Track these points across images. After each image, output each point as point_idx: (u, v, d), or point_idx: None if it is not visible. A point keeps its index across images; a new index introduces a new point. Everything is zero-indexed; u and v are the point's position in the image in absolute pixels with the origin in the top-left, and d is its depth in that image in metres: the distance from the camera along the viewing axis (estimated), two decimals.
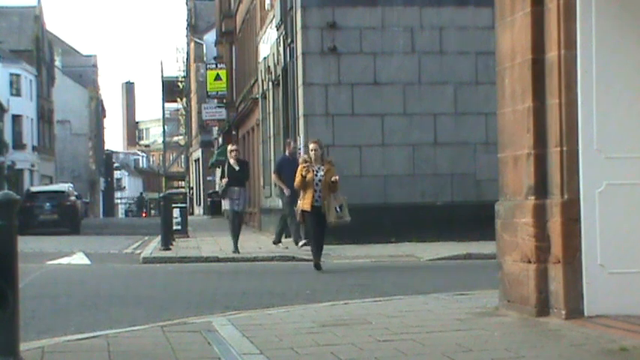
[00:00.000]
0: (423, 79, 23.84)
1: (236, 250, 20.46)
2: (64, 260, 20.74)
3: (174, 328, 8.62)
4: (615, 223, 8.20)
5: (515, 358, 6.86)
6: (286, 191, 20.92)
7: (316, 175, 15.57)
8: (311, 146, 15.93)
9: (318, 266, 15.79)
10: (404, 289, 12.18)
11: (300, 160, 15.95)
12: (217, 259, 19.75)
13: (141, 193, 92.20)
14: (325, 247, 21.91)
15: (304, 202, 15.62)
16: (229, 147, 21.34)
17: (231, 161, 20.48)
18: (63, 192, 38.32)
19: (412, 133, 23.70)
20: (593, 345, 7.18)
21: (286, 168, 20.86)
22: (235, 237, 20.63)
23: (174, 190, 51.93)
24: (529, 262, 8.57)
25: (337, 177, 15.59)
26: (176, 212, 27.59)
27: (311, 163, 15.65)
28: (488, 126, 22.15)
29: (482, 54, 22.92)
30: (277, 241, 22.39)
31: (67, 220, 36.21)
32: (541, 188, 8.52)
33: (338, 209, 15.43)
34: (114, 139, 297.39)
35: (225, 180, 20.25)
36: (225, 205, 20.92)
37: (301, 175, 15.58)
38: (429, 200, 23.48)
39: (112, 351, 7.48)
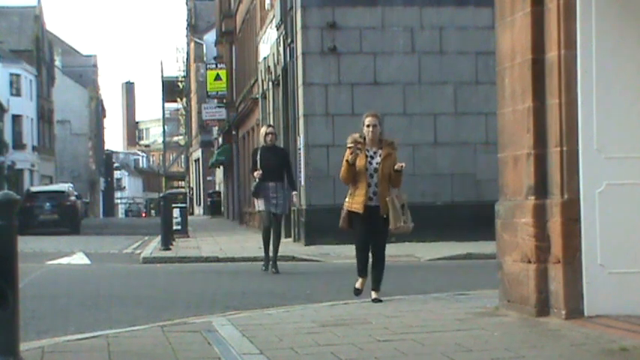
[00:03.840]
0: (423, 79, 23.84)
1: (265, 265, 15.74)
2: (64, 260, 20.74)
3: (174, 328, 8.63)
4: (615, 223, 8.20)
5: (515, 358, 6.86)
6: None
7: (371, 163, 10.60)
8: (367, 120, 10.73)
9: (377, 299, 10.57)
10: (404, 289, 12.18)
11: (349, 140, 10.70)
12: (217, 259, 19.75)
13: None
14: (325, 247, 22.10)
15: (354, 201, 10.64)
16: (263, 129, 15.73)
17: (266, 148, 15.32)
18: (63, 192, 38.32)
19: (412, 133, 23.70)
20: (593, 345, 7.18)
21: None
22: (267, 247, 15.57)
23: (174, 190, 51.85)
24: (529, 262, 8.57)
25: (403, 164, 10.66)
26: (176, 212, 27.61)
27: (364, 145, 10.66)
28: (488, 126, 22.15)
29: (482, 54, 22.93)
30: None
31: (67, 220, 36.21)
32: (541, 188, 8.53)
33: (399, 211, 10.64)
34: (114, 139, 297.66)
35: (258, 173, 15.05)
36: (258, 205, 15.36)
37: (347, 160, 10.59)
38: (429, 200, 23.47)
39: (112, 351, 7.48)
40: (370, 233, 10.69)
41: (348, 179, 10.66)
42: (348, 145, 10.58)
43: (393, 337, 7.87)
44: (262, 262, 15.82)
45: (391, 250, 19.94)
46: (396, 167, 10.57)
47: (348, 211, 10.69)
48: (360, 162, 10.54)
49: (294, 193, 15.65)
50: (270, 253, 15.44)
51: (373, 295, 10.60)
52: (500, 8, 9.24)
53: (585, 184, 8.22)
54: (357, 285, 11.02)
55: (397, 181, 10.69)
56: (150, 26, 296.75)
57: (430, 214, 22.97)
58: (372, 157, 10.65)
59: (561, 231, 8.26)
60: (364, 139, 10.66)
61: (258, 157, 15.15)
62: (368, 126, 10.69)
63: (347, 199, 10.78)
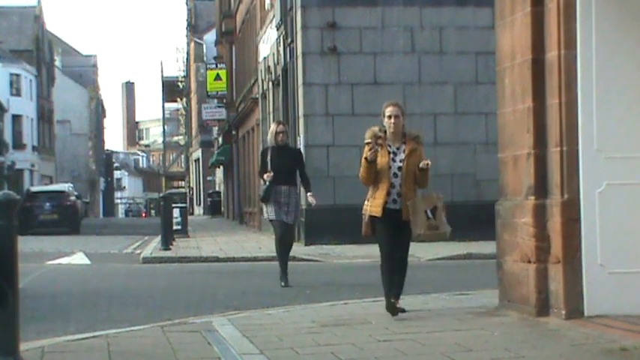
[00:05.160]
0: (423, 79, 23.84)
1: (285, 280, 13.60)
2: (64, 260, 20.74)
3: (174, 328, 8.63)
4: (615, 223, 8.21)
5: (515, 358, 6.87)
6: None
7: (394, 160, 9.20)
8: (388, 110, 9.28)
9: (393, 310, 9.20)
10: (404, 289, 12.16)
11: (367, 134, 9.24)
12: (217, 259, 19.75)
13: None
14: (325, 247, 22.11)
15: (373, 204, 9.24)
16: (273, 127, 13.78)
17: (277, 148, 13.49)
18: (63, 192, 38.31)
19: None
20: (593, 345, 7.19)
21: None
22: (284, 261, 13.76)
23: (174, 190, 51.84)
24: (529, 262, 8.57)
25: (429, 162, 9.23)
26: (176, 212, 27.60)
27: (385, 140, 9.24)
28: (489, 126, 22.16)
29: (482, 54, 22.94)
30: None
31: (67, 220, 36.18)
32: (541, 188, 8.53)
33: (429, 214, 9.17)
34: (114, 139, 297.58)
35: (268, 175, 13.28)
36: (269, 213, 13.52)
37: (365, 158, 9.12)
38: None
39: (112, 351, 7.48)
40: (394, 242, 9.24)
41: (369, 179, 9.21)
42: (367, 141, 9.14)
43: (393, 337, 7.87)
44: (280, 277, 13.61)
45: None
46: (420, 165, 9.14)
47: (370, 216, 9.27)
48: (382, 159, 9.10)
49: (309, 194, 13.82)
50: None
51: (396, 305, 9.22)
52: (500, 8, 9.25)
53: (585, 184, 8.22)
54: (388, 303, 9.30)
55: (423, 180, 9.28)
56: (150, 26, 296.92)
57: None
58: (394, 154, 9.21)
59: (561, 231, 8.26)
60: (385, 132, 9.25)
61: (269, 157, 13.39)
62: (389, 117, 9.23)
63: (366, 203, 9.34)
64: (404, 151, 9.23)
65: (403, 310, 9.18)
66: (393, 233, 9.20)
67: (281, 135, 13.47)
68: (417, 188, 9.28)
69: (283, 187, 13.32)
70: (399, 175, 9.18)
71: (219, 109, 51.51)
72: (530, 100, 8.61)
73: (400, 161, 9.19)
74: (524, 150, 8.70)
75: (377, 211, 9.18)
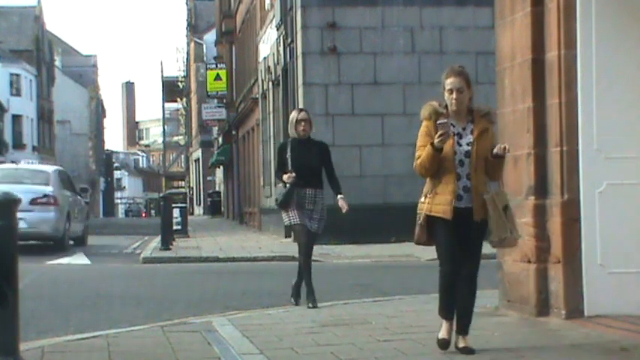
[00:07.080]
0: (423, 79, 23.83)
1: (295, 297, 10.90)
2: (64, 260, 20.72)
3: (174, 328, 8.63)
4: (615, 223, 8.21)
5: (515, 358, 6.87)
6: None
7: (459, 144, 7.09)
8: (449, 83, 7.10)
9: (467, 349, 7.09)
10: (404, 289, 12.18)
11: (425, 111, 7.16)
12: (217, 259, 19.74)
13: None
14: (325, 247, 22.07)
15: (436, 201, 7.03)
16: (294, 114, 10.95)
17: (299, 142, 10.75)
18: None
19: (412, 133, 23.36)
20: (593, 345, 7.19)
21: None
22: (308, 275, 10.67)
23: (174, 190, 51.87)
24: (529, 262, 8.58)
25: (506, 146, 7.03)
26: (176, 212, 27.59)
27: (448, 119, 7.03)
28: None
29: (482, 54, 22.92)
30: None
31: None
32: (541, 188, 8.53)
33: (503, 215, 7.04)
34: (114, 139, 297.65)
35: (289, 176, 10.51)
36: (291, 217, 10.61)
37: (432, 144, 6.97)
38: None
39: (112, 351, 7.48)
40: (459, 250, 7.13)
41: (432, 170, 7.04)
42: (439, 122, 6.96)
43: (393, 337, 7.87)
44: (291, 294, 10.94)
45: (391, 250, 19.96)
46: (495, 151, 6.98)
47: (427, 217, 7.09)
48: (448, 144, 7.00)
49: (340, 196, 10.92)
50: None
51: (461, 343, 7.15)
52: (500, 8, 9.25)
53: (585, 184, 8.22)
54: (442, 334, 7.26)
55: (497, 170, 7.12)
56: (150, 26, 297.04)
57: None
58: (459, 136, 7.10)
59: (561, 231, 8.27)
60: (446, 108, 7.13)
61: (289, 153, 10.66)
62: (450, 91, 7.06)
63: (422, 200, 7.12)
64: (472, 132, 7.11)
65: (472, 351, 7.05)
66: (459, 239, 7.09)
67: (303, 124, 10.68)
68: (490, 179, 7.17)
69: (308, 190, 10.62)
70: (465, 162, 7.04)
71: (219, 109, 51.52)
72: (530, 100, 8.61)
73: (468, 145, 7.06)
74: (524, 150, 8.70)
75: (443, 211, 6.99)
